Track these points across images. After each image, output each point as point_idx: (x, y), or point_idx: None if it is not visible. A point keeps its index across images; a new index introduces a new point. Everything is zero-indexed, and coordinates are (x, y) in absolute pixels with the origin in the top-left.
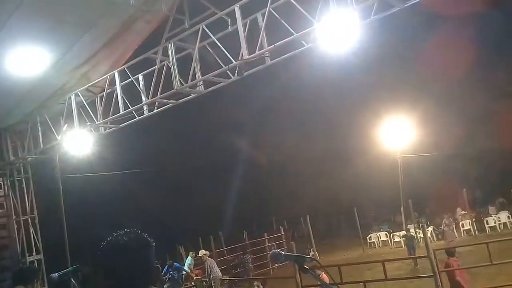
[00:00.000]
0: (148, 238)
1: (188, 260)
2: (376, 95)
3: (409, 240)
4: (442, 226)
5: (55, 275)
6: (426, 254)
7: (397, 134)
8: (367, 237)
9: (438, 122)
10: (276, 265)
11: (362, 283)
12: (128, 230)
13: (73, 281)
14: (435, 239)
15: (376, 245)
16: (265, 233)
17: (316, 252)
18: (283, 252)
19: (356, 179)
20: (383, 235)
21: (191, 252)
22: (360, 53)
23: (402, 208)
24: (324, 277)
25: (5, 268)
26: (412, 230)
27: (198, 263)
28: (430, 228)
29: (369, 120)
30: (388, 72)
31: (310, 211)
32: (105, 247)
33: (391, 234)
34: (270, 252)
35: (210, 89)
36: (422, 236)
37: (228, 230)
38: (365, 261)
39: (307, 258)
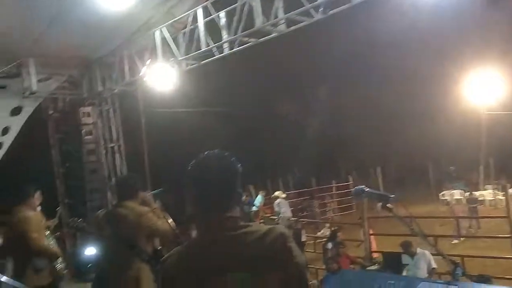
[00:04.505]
0: (236, 162)
1: (259, 198)
2: (465, 46)
3: (472, 202)
4: None
5: None
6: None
7: (485, 89)
8: (440, 194)
9: None
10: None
11: (432, 237)
12: (216, 151)
13: (157, 203)
14: None
15: (449, 203)
16: (333, 181)
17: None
18: (366, 189)
19: (434, 135)
20: (457, 193)
21: (261, 191)
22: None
23: (481, 167)
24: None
25: (94, 190)
26: (487, 191)
27: (267, 203)
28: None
29: (455, 74)
30: (478, 20)
31: (382, 163)
32: (192, 166)
33: (466, 193)
34: (353, 188)
35: (292, 28)
36: (501, 197)
37: (297, 175)
38: (438, 216)
39: (390, 197)
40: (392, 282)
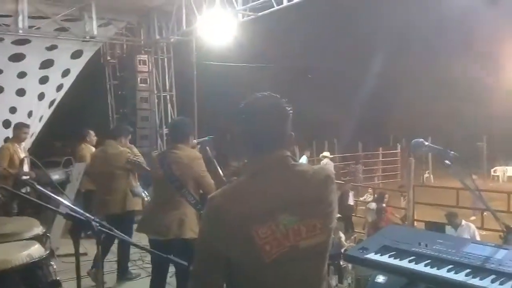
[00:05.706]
0: (287, 104)
1: (303, 159)
2: None
3: None
4: None
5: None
6: None
7: None
8: (492, 170)
9: None
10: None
11: (479, 211)
12: (267, 94)
13: (208, 149)
14: None
15: (500, 179)
16: (380, 148)
17: (431, 175)
18: (426, 143)
19: (491, 110)
20: (510, 170)
21: (306, 151)
22: None
23: None
24: None
25: (144, 137)
26: None
27: (310, 164)
28: None
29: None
30: None
31: (433, 133)
32: (245, 104)
33: None
34: (413, 140)
35: None
36: None
37: (344, 139)
38: (487, 190)
39: (450, 153)
40: (440, 241)
